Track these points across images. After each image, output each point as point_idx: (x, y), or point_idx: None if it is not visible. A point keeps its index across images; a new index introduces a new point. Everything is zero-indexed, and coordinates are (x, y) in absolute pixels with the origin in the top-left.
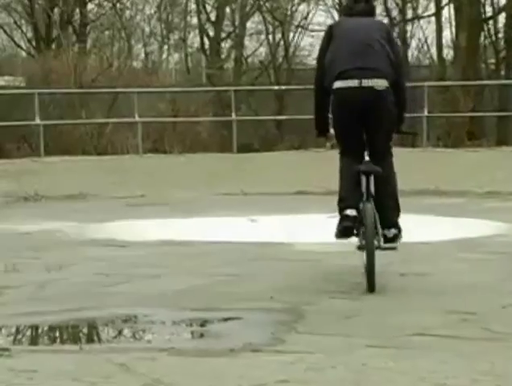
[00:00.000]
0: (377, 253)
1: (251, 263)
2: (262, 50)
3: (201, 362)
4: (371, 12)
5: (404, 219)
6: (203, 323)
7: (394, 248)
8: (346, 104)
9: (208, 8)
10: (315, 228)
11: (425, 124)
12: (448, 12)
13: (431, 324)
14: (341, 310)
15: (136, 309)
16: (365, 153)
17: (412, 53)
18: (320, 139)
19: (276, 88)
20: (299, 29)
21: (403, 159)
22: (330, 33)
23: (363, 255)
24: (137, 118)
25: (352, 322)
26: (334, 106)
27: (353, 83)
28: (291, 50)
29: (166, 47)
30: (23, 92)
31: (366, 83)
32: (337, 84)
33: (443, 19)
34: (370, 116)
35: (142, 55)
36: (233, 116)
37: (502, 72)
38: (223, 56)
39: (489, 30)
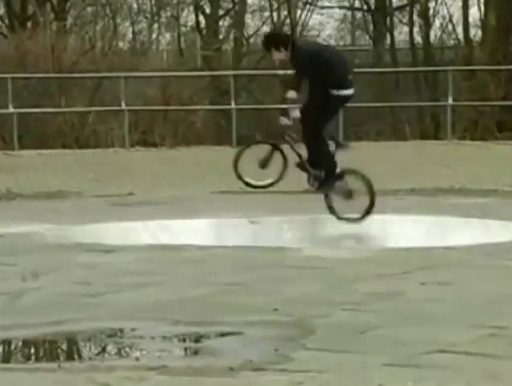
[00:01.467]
0: (395, 260)
1: (252, 270)
2: (266, 29)
3: (196, 382)
4: None
5: (426, 221)
6: (198, 339)
7: None
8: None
9: None
10: (325, 231)
11: (449, 113)
12: None
13: (456, 340)
14: (355, 323)
15: (122, 322)
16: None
17: (435, 33)
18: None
19: (282, 72)
20: (307, 6)
21: (425, 153)
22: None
23: None
24: (123, 106)
25: (366, 338)
26: (333, 104)
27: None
28: (299, 29)
29: (156, 25)
30: None
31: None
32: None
33: None
34: None
35: (130, 34)
36: (233, 104)
37: None
38: (221, 36)
39: None
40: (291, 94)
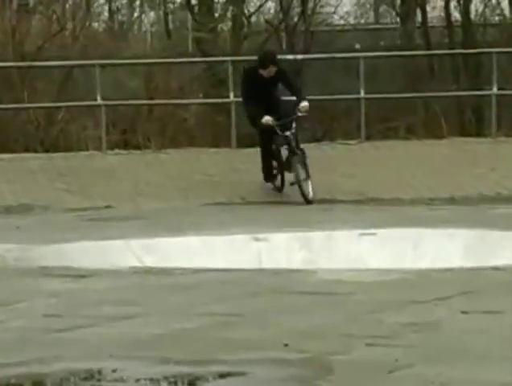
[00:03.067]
0: (429, 284)
1: (257, 298)
2: (271, 5)
3: None
4: None
5: (467, 236)
6: (192, 381)
7: None
8: None
9: None
10: (343, 249)
11: (494, 104)
12: None
13: (506, 380)
14: (380, 361)
15: (101, 362)
16: None
17: (476, 9)
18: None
19: (290, 57)
20: None
21: (465, 153)
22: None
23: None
24: (99, 101)
25: (395, 378)
26: None
27: None
28: (310, 5)
29: (138, 2)
30: None
31: None
32: None
33: None
34: None
35: (106, 13)
36: (231, 96)
37: None
38: (217, 15)
39: None
40: (267, 119)
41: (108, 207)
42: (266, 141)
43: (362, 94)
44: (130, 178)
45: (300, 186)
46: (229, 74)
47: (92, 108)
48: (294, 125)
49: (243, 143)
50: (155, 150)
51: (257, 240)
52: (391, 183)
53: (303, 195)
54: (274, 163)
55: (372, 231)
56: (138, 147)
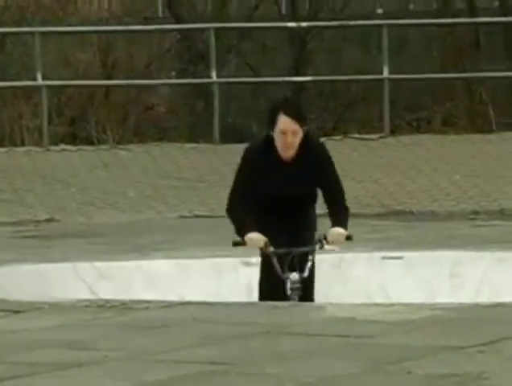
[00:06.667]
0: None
1: (247, 340)
2: None
3: None
4: None
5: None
6: None
7: None
8: None
9: None
10: (361, 278)
11: None
12: None
13: None
14: None
15: None
16: None
17: None
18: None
19: (292, 25)
20: None
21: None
22: None
23: None
24: (40, 81)
25: None
26: None
27: None
28: None
29: None
30: None
31: None
32: None
33: None
34: None
35: None
36: (214, 76)
37: None
38: None
39: None
40: (255, 240)
41: (50, 220)
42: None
43: (386, 74)
44: (80, 183)
45: None
46: (210, 46)
47: (30, 89)
48: (309, 262)
49: (228, 137)
50: (113, 146)
51: (246, 264)
52: (423, 192)
53: None
54: None
55: (398, 254)
56: (90, 142)
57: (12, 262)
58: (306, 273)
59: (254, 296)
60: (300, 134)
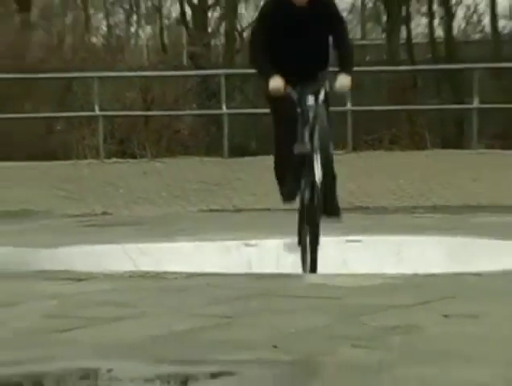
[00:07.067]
0: (412, 288)
1: (248, 301)
2: None
3: None
4: None
5: (448, 243)
6: (185, 380)
7: None
8: None
9: None
10: (330, 255)
11: (475, 118)
12: None
13: (487, 380)
14: (366, 362)
15: (97, 361)
16: None
17: (458, 26)
18: None
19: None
20: None
21: (447, 164)
22: None
23: None
24: (97, 111)
25: (380, 379)
26: None
27: None
28: None
29: (135, 17)
30: None
31: None
32: None
33: None
34: None
35: (104, 28)
36: (224, 108)
37: None
38: (210, 30)
39: None
40: (275, 84)
41: (105, 213)
42: (281, 128)
43: (349, 106)
44: (127, 186)
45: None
46: (221, 86)
47: (90, 118)
48: (322, 95)
49: (234, 153)
50: (151, 159)
51: (247, 245)
52: (376, 192)
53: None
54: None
55: (358, 238)
56: (134, 156)
57: (77, 244)
58: (321, 96)
59: (254, 269)
60: None
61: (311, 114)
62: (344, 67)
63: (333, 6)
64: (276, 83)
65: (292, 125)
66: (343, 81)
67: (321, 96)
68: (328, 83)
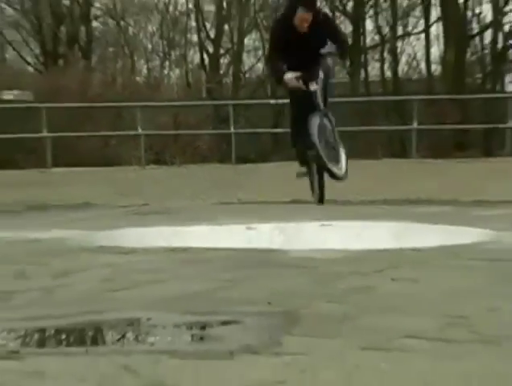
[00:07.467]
0: (369, 260)
1: (249, 269)
2: (260, 65)
3: (202, 364)
4: None
5: (397, 227)
6: (203, 327)
7: None
8: None
9: (208, 26)
10: (309, 235)
11: (414, 136)
12: (436, 29)
13: (423, 327)
14: (334, 314)
15: (139, 313)
16: None
17: (402, 68)
18: None
19: (272, 101)
20: None
21: (394, 170)
22: None
23: None
24: (140, 131)
25: (345, 326)
26: None
27: None
28: None
29: (167, 63)
30: (32, 106)
31: None
32: None
33: (431, 36)
34: None
35: (145, 70)
36: (232, 129)
37: (488, 86)
38: (222, 71)
39: (475, 46)
40: (289, 77)
41: (145, 204)
42: (295, 106)
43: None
44: (161, 185)
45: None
46: (230, 113)
47: (134, 136)
48: (321, 74)
49: (239, 161)
50: (179, 166)
51: (249, 228)
52: (345, 189)
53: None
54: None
55: (329, 223)
56: (166, 163)
57: (125, 227)
58: (321, 76)
59: (253, 246)
60: (311, 14)
61: (314, 95)
62: (339, 47)
63: (328, 19)
64: (289, 76)
65: (301, 104)
66: (330, 47)
67: (319, 80)
68: (323, 68)
